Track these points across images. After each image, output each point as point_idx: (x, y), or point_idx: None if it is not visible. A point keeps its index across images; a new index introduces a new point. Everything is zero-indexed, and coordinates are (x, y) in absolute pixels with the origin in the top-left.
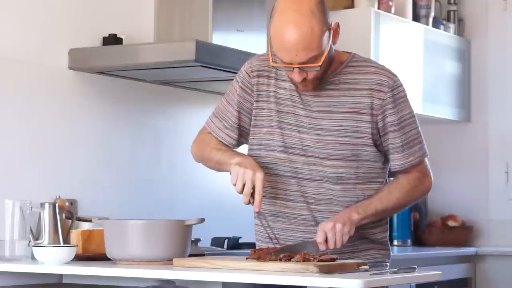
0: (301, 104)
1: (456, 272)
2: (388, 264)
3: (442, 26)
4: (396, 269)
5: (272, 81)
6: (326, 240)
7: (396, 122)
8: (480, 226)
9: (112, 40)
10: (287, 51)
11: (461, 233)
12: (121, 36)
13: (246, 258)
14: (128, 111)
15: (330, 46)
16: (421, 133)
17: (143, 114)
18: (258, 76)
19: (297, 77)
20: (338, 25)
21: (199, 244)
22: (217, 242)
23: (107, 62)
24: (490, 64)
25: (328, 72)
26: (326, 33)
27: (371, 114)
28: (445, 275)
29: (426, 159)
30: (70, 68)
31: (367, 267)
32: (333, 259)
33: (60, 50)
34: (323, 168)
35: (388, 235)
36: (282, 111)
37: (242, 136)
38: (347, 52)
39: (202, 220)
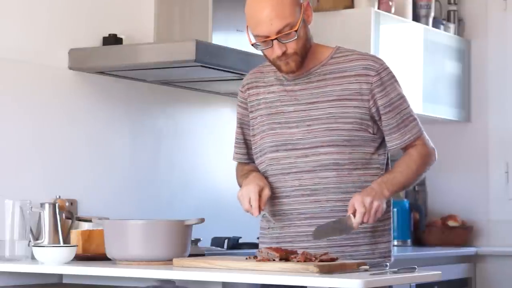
0: (289, 101)
1: (456, 272)
2: (388, 264)
3: (442, 26)
4: (396, 269)
5: (261, 89)
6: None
7: (388, 103)
8: (480, 226)
9: (112, 40)
10: (262, 23)
11: (461, 233)
12: (121, 36)
13: (246, 258)
14: (128, 111)
15: (305, 24)
16: (413, 111)
17: (143, 114)
18: (248, 89)
19: (277, 50)
20: (308, 3)
21: (199, 244)
22: (217, 242)
23: (107, 62)
24: (490, 64)
25: (311, 63)
26: (297, 6)
27: (360, 100)
28: (445, 275)
29: (425, 135)
30: (70, 68)
31: (367, 267)
32: (333, 259)
33: (60, 50)
34: (317, 157)
35: (391, 246)
36: (271, 113)
37: (251, 149)
38: (332, 47)
39: (202, 220)
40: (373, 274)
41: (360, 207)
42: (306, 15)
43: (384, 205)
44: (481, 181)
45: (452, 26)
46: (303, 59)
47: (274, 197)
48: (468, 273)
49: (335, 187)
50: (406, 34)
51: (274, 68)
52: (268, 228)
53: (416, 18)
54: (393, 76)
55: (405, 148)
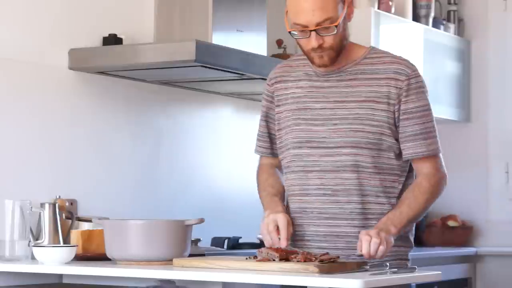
0: (318, 98)
1: (456, 272)
2: (388, 264)
3: (442, 26)
4: (396, 269)
5: (289, 84)
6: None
7: (410, 110)
8: (480, 226)
9: (112, 40)
10: (304, 12)
11: (461, 233)
12: (121, 36)
13: (246, 258)
14: (128, 111)
15: (345, 20)
16: (436, 129)
17: (143, 114)
18: (276, 82)
19: (313, 42)
20: (352, 1)
21: (199, 244)
22: (217, 242)
23: (107, 62)
24: (490, 64)
25: (344, 61)
26: (341, 2)
27: (387, 103)
28: (445, 275)
29: (441, 157)
30: (70, 68)
31: (367, 267)
32: (333, 259)
33: (60, 50)
34: (340, 158)
35: (411, 231)
36: (299, 108)
37: (274, 143)
38: (367, 47)
39: (202, 220)
40: (373, 274)
41: (364, 237)
42: (348, 12)
43: (392, 240)
44: (481, 181)
45: (452, 26)
46: (337, 55)
47: (295, 194)
48: (468, 273)
49: (356, 189)
50: (406, 34)
51: (303, 62)
52: (298, 224)
53: (416, 18)
54: (423, 86)
55: (416, 166)
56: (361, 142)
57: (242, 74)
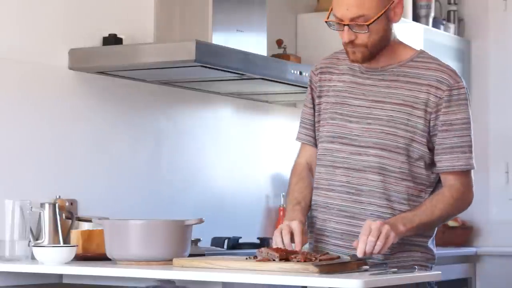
0: (357, 95)
1: (456, 272)
2: (386, 263)
3: (442, 26)
4: (396, 269)
5: (334, 76)
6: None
7: (450, 122)
8: (480, 226)
9: (112, 40)
10: (341, 5)
11: (461, 233)
12: (121, 36)
13: (246, 258)
14: (128, 111)
15: (388, 21)
16: (473, 143)
17: (143, 114)
18: (321, 73)
19: (345, 36)
20: (401, 2)
21: (199, 244)
22: (217, 242)
23: (107, 62)
24: (490, 64)
25: (389, 61)
26: (385, 1)
27: (424, 111)
28: (445, 275)
29: (472, 174)
30: (70, 68)
31: (367, 267)
32: (333, 259)
33: (60, 50)
34: (367, 158)
35: (430, 240)
36: (337, 102)
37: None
38: (417, 49)
39: (202, 220)
40: (373, 274)
41: (362, 237)
42: (393, 12)
43: (393, 236)
44: (481, 181)
45: (452, 26)
46: (373, 54)
47: (322, 188)
48: (468, 273)
49: (379, 192)
50: (406, 34)
51: None
52: (314, 217)
53: (416, 18)
54: (465, 99)
55: (444, 177)
56: (391, 146)
57: (242, 74)
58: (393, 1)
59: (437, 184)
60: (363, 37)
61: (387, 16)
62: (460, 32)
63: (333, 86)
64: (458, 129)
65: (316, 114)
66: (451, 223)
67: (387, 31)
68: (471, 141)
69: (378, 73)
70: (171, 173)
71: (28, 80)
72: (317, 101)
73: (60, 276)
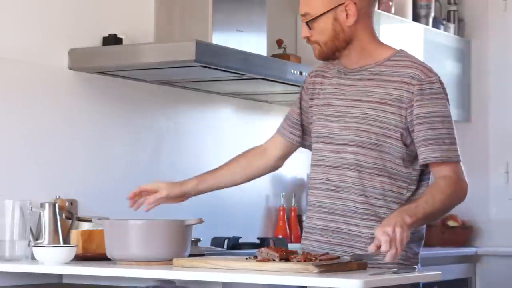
0: (339, 95)
1: (456, 272)
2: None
3: (442, 26)
4: (396, 269)
5: (326, 80)
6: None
7: (422, 115)
8: (480, 226)
9: (112, 40)
10: (300, 3)
11: (461, 233)
12: (121, 36)
13: (246, 258)
14: (128, 111)
15: (337, 21)
16: (454, 137)
17: (143, 114)
18: (315, 76)
19: (302, 31)
20: (354, 3)
21: (199, 244)
22: (217, 242)
23: (107, 62)
24: (490, 64)
25: (367, 61)
26: (331, 2)
27: (399, 107)
28: (445, 275)
29: (461, 166)
30: (70, 68)
31: (395, 269)
32: (333, 259)
33: (60, 50)
34: (345, 155)
35: (418, 250)
36: (324, 104)
37: (307, 134)
38: (396, 49)
39: (202, 220)
40: (373, 274)
41: (383, 236)
42: (344, 14)
43: (409, 233)
44: (481, 181)
45: (452, 26)
46: (329, 52)
47: (310, 187)
48: (468, 273)
49: (356, 188)
50: (406, 34)
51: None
52: (307, 217)
53: (416, 18)
54: (439, 93)
55: (434, 171)
56: (365, 142)
57: (242, 74)
58: (343, 3)
59: (420, 183)
60: (315, 35)
61: (335, 17)
62: (460, 32)
63: (324, 89)
64: (431, 121)
65: (309, 116)
66: (451, 223)
67: (338, 32)
68: (449, 133)
69: (357, 73)
70: (171, 173)
71: (28, 80)
72: (309, 103)
73: (60, 276)
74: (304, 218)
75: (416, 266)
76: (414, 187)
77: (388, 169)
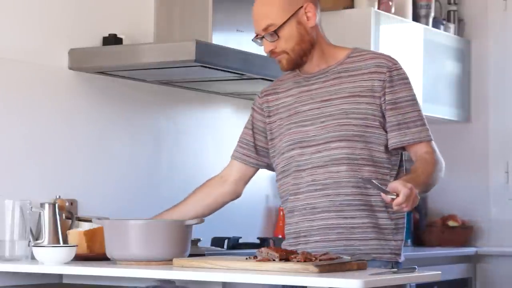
0: (305, 101)
1: (456, 272)
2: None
3: (442, 26)
4: (396, 269)
5: (280, 95)
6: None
7: (392, 101)
8: (480, 226)
9: (112, 40)
10: (254, 21)
11: (461, 233)
12: (121, 36)
13: (246, 258)
14: (128, 111)
15: (301, 25)
16: (424, 118)
17: (143, 114)
18: (267, 95)
19: (264, 47)
20: (311, 5)
21: (199, 244)
22: (217, 242)
23: (107, 62)
24: (490, 64)
25: (328, 63)
26: (290, 6)
27: (372, 97)
28: (445, 275)
29: (434, 145)
30: (70, 68)
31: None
32: (333, 259)
33: (60, 50)
34: (328, 152)
35: (402, 244)
36: (290, 114)
37: (261, 155)
38: (350, 48)
39: (202, 220)
40: (373, 274)
41: (404, 188)
42: (305, 17)
43: (419, 198)
44: (481, 181)
45: (452, 26)
46: (298, 59)
47: (290, 194)
48: (468, 273)
49: (345, 181)
50: (406, 34)
51: (293, 73)
52: (288, 224)
53: (416, 18)
54: (405, 78)
55: (411, 151)
56: (348, 135)
57: (242, 74)
58: (302, 6)
59: (400, 168)
60: (280, 45)
61: (298, 21)
62: (460, 32)
63: (281, 103)
64: (402, 106)
65: (268, 133)
66: (451, 223)
67: (303, 35)
68: (419, 115)
69: (321, 76)
70: (171, 173)
71: (28, 80)
72: (266, 121)
73: (60, 276)
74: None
75: (399, 260)
76: (395, 173)
77: (373, 158)
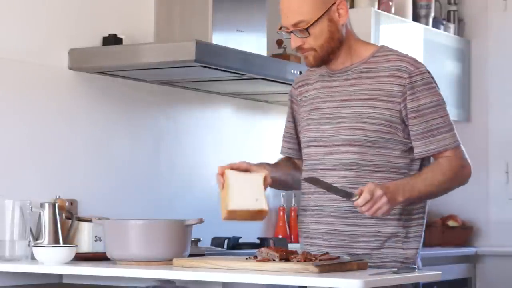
0: (326, 98)
1: (456, 272)
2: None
3: (442, 26)
4: (396, 269)
5: (310, 87)
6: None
7: (415, 109)
8: (480, 226)
9: (112, 40)
10: (282, 14)
11: (461, 233)
12: (121, 36)
13: (246, 258)
14: (128, 111)
15: (332, 22)
16: (450, 123)
17: (143, 114)
18: (299, 86)
19: (292, 43)
20: (342, 1)
21: (199, 244)
22: (217, 242)
23: (107, 62)
24: (490, 64)
25: (352, 60)
26: (322, 4)
27: (391, 102)
28: (445, 275)
29: (462, 149)
30: (70, 68)
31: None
32: (333, 259)
33: (60, 50)
34: (339, 156)
35: (418, 251)
36: (311, 109)
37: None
38: (377, 45)
39: (202, 220)
40: (373, 274)
41: (367, 194)
42: (336, 14)
43: (391, 210)
44: (481, 181)
45: (452, 26)
46: (325, 56)
47: (304, 192)
48: (468, 273)
49: (353, 187)
50: (406, 34)
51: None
52: (300, 222)
53: (416, 18)
54: (429, 83)
55: (435, 158)
56: (360, 140)
57: (242, 74)
58: (334, 3)
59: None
60: (309, 41)
61: (330, 18)
62: (460, 32)
63: (309, 95)
64: (425, 113)
65: (297, 125)
66: (451, 223)
67: (334, 32)
68: (444, 121)
69: (343, 74)
70: (171, 173)
71: (28, 80)
72: (299, 111)
73: (60, 276)
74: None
75: (415, 266)
76: None
77: (386, 164)
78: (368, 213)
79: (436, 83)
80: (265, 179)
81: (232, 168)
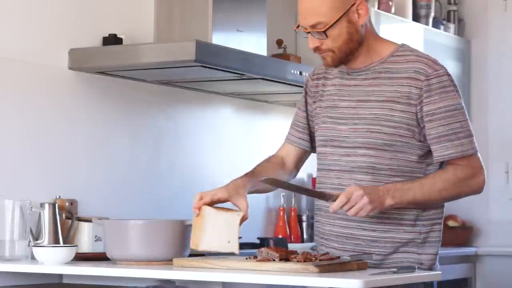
0: (344, 96)
1: (456, 272)
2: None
3: (442, 26)
4: (396, 269)
5: (328, 81)
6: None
7: (431, 112)
8: (480, 226)
9: (112, 40)
10: (300, 14)
11: (461, 233)
12: (121, 36)
13: (246, 258)
14: (128, 111)
15: (352, 24)
16: (469, 128)
17: (143, 114)
18: (317, 78)
19: (310, 43)
20: (363, 2)
21: None
22: None
23: (107, 62)
24: (490, 64)
25: (371, 59)
26: (341, 5)
27: (408, 104)
28: (445, 275)
29: (479, 156)
30: (70, 68)
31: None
32: (333, 259)
33: (60, 50)
34: (355, 158)
35: (436, 256)
36: (328, 106)
37: (312, 139)
38: (398, 43)
39: None
40: (373, 274)
41: (344, 197)
42: (356, 15)
43: (375, 212)
44: None
45: (452, 26)
46: (343, 57)
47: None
48: (468, 273)
49: None
50: (406, 34)
51: None
52: (316, 221)
53: (416, 18)
54: (447, 86)
55: (446, 165)
56: (377, 144)
57: (242, 74)
58: (354, 4)
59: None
60: (327, 43)
61: (349, 19)
62: (460, 32)
63: (327, 90)
64: (442, 117)
65: (312, 119)
66: (451, 223)
67: (353, 34)
68: (462, 126)
69: (362, 73)
70: (171, 173)
71: (28, 80)
72: (313, 106)
73: (60, 276)
74: (304, 218)
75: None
76: None
77: (403, 168)
78: (349, 213)
79: (455, 87)
80: (242, 218)
81: (211, 201)
